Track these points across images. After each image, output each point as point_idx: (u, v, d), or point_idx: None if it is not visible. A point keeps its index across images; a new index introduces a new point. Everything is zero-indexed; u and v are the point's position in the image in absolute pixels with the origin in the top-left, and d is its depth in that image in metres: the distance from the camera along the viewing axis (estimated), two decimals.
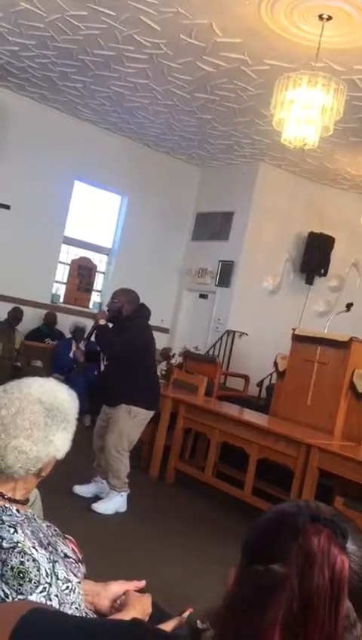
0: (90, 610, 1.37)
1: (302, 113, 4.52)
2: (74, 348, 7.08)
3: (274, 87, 4.56)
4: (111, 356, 4.32)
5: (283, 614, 0.64)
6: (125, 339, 4.18)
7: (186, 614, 1.31)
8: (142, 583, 1.47)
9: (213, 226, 8.86)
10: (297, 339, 5.53)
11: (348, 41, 4.83)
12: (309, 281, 8.69)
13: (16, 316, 7.18)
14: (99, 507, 4.13)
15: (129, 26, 5.28)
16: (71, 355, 7.32)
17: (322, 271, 8.59)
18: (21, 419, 1.27)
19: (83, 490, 4.37)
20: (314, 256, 8.49)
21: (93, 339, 4.42)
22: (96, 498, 4.31)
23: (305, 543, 0.67)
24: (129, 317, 4.26)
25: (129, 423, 4.22)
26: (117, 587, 1.43)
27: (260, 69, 5.57)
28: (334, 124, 4.62)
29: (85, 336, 4.58)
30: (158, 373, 6.95)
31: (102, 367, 4.46)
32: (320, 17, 4.56)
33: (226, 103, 6.57)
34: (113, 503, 4.17)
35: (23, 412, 1.28)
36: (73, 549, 1.37)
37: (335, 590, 0.65)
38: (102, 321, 4.22)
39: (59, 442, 1.31)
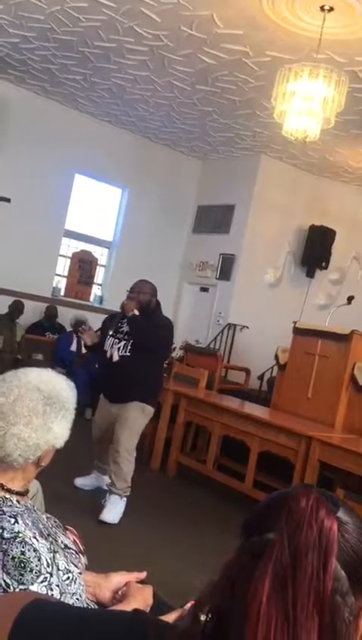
0: (92, 601, 1.38)
1: (304, 105, 4.51)
2: (85, 336, 7.05)
3: (276, 79, 4.54)
4: (146, 348, 4.03)
5: (273, 566, 0.66)
6: (164, 332, 4.10)
7: (188, 606, 1.31)
8: (143, 575, 1.47)
9: (214, 219, 8.85)
10: (298, 332, 5.53)
11: (350, 33, 4.80)
12: (310, 275, 8.68)
13: (17, 308, 7.19)
14: (109, 517, 3.92)
15: (129, 17, 5.25)
16: (73, 348, 7.33)
17: (323, 264, 8.57)
18: (20, 406, 1.27)
19: (84, 481, 4.33)
20: (315, 249, 8.48)
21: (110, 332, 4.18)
22: (98, 489, 4.29)
23: (294, 503, 0.70)
24: (155, 310, 4.16)
25: (141, 421, 4.08)
26: (118, 578, 1.43)
27: (261, 60, 5.54)
28: (335, 116, 4.60)
29: (101, 330, 4.34)
30: None
31: (116, 358, 4.07)
32: (322, 9, 4.53)
33: (227, 95, 6.54)
34: (120, 509, 4.00)
35: (21, 400, 1.28)
36: (74, 541, 1.37)
37: (323, 545, 0.66)
38: (136, 312, 4.04)
39: (58, 430, 1.32)
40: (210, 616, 0.71)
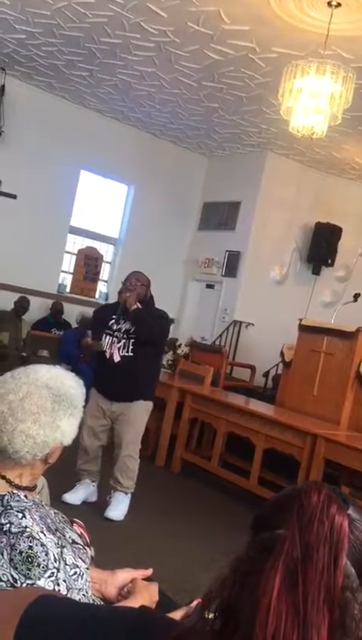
0: (97, 597, 1.38)
1: (310, 102, 4.49)
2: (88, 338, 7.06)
3: (282, 76, 4.52)
4: (152, 342, 3.91)
5: (284, 561, 0.66)
6: (163, 324, 3.98)
7: (194, 604, 1.31)
8: (149, 572, 1.47)
9: (220, 215, 8.83)
10: (304, 329, 5.52)
11: (358, 29, 4.77)
12: (316, 272, 8.66)
13: (22, 305, 7.20)
14: (114, 514, 3.89)
15: (136, 13, 5.24)
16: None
17: (329, 261, 8.55)
18: (29, 403, 1.28)
19: (73, 497, 3.98)
20: (321, 246, 8.45)
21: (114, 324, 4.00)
22: (99, 487, 4.18)
23: (306, 499, 0.70)
24: (150, 302, 4.01)
25: (145, 419, 4.02)
26: (124, 575, 1.44)
27: (268, 56, 5.52)
28: (342, 112, 4.58)
29: (95, 332, 4.14)
30: (165, 363, 6.98)
31: (117, 358, 3.90)
32: (329, 4, 4.50)
33: (233, 92, 6.52)
34: (125, 506, 3.97)
35: (30, 397, 1.28)
36: (81, 534, 1.38)
37: (334, 541, 0.67)
38: (138, 305, 3.86)
39: (66, 428, 1.32)
40: (218, 612, 0.71)
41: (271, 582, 0.65)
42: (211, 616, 1.19)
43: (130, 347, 3.90)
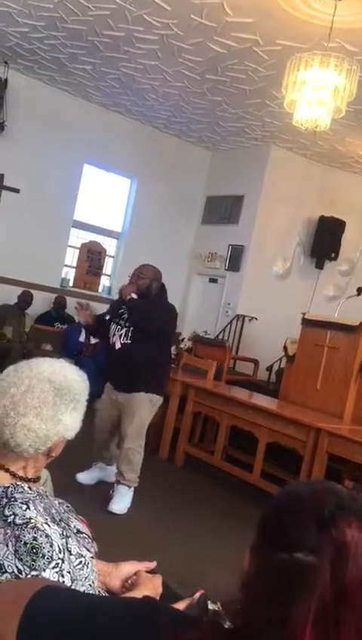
0: (102, 589, 1.38)
1: (314, 94, 4.47)
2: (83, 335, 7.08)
3: (286, 68, 4.49)
4: (147, 333, 3.91)
5: (315, 606, 0.63)
6: (162, 316, 3.94)
7: (197, 596, 1.32)
8: (153, 564, 1.48)
9: (223, 209, 8.81)
10: (307, 323, 5.51)
11: (361, 21, 4.75)
12: (319, 266, 8.64)
13: (25, 299, 7.20)
14: (117, 508, 3.90)
15: (139, 6, 5.21)
16: (82, 339, 7.35)
17: (332, 255, 8.53)
18: (30, 397, 1.27)
19: (86, 476, 4.20)
20: (325, 240, 8.43)
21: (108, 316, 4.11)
22: (101, 483, 4.25)
23: (338, 534, 0.67)
24: (157, 295, 4.01)
25: (148, 413, 4.01)
26: (128, 567, 1.44)
27: (272, 49, 5.49)
28: (346, 105, 4.56)
29: (104, 313, 4.19)
30: None
31: (118, 345, 3.96)
32: None
33: (237, 85, 6.49)
34: (128, 499, 3.98)
35: (32, 390, 1.28)
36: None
37: None
38: (134, 295, 3.92)
39: (69, 422, 1.31)
40: (236, 626, 0.68)
41: (302, 618, 0.63)
42: (212, 607, 1.19)
43: (130, 335, 3.95)
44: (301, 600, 0.64)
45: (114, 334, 4.00)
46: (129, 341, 3.95)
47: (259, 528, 0.75)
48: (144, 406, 3.96)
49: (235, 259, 8.51)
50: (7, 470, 1.27)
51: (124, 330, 3.97)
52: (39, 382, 1.30)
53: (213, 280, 9.09)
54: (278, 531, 0.72)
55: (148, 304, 3.92)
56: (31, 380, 1.29)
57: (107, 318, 4.09)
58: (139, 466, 4.01)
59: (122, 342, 3.96)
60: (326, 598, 0.64)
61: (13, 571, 1.11)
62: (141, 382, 3.93)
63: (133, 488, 4.02)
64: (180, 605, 1.29)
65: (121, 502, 3.94)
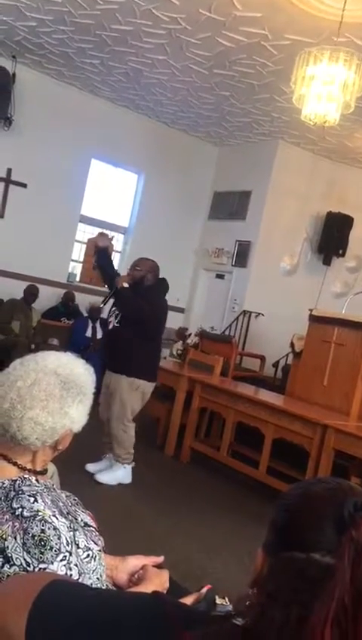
0: (109, 583, 1.38)
1: (323, 89, 4.44)
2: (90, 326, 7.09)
3: (295, 63, 4.47)
4: (132, 318, 4.17)
5: (335, 606, 0.63)
6: (149, 306, 4.15)
7: (204, 590, 1.32)
8: (160, 559, 1.48)
9: (230, 205, 8.79)
10: (314, 319, 5.50)
11: None
12: (327, 262, 8.61)
13: (31, 293, 7.18)
14: (103, 477, 4.22)
15: (147, 0, 5.19)
16: (88, 334, 7.36)
17: (340, 251, 8.50)
18: (37, 390, 1.28)
19: (95, 467, 4.38)
20: (333, 236, 8.40)
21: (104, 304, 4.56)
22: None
23: (358, 535, 0.66)
24: (150, 288, 4.24)
25: (129, 395, 4.24)
26: (135, 561, 1.44)
27: (280, 44, 5.46)
28: (355, 100, 4.53)
29: (103, 300, 4.56)
30: (174, 353, 6.98)
31: (111, 326, 4.34)
32: None
33: (245, 80, 6.46)
34: (117, 475, 4.26)
35: (39, 383, 1.28)
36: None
37: None
38: (125, 284, 4.19)
39: (75, 414, 1.32)
40: (250, 624, 0.68)
41: (321, 618, 0.63)
42: (220, 601, 1.19)
43: (119, 319, 4.28)
44: (320, 601, 0.64)
45: (110, 314, 4.37)
46: (117, 325, 4.28)
47: (273, 527, 0.74)
48: (124, 388, 4.19)
49: (242, 254, 8.49)
50: (14, 463, 1.28)
51: (116, 313, 4.31)
52: (45, 375, 1.30)
53: (219, 276, 9.07)
54: (294, 531, 0.71)
55: (134, 294, 4.18)
56: (37, 374, 1.29)
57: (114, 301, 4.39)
58: (127, 443, 4.25)
59: (114, 324, 4.30)
60: (346, 599, 0.63)
61: (21, 564, 1.11)
62: (124, 364, 4.18)
63: (128, 468, 4.26)
64: (188, 600, 1.29)
65: (108, 474, 4.22)
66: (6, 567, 1.11)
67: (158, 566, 1.46)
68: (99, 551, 1.27)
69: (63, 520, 1.18)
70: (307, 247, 8.64)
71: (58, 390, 1.29)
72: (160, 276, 4.36)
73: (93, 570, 1.22)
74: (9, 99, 7.11)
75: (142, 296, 4.15)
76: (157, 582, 1.35)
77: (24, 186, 7.61)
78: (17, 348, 6.38)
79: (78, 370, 1.36)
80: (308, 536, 0.69)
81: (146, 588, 1.30)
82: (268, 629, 0.66)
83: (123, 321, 4.23)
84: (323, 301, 7.85)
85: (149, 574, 1.38)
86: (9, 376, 1.31)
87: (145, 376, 4.26)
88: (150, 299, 4.18)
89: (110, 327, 4.34)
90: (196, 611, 0.83)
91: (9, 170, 7.54)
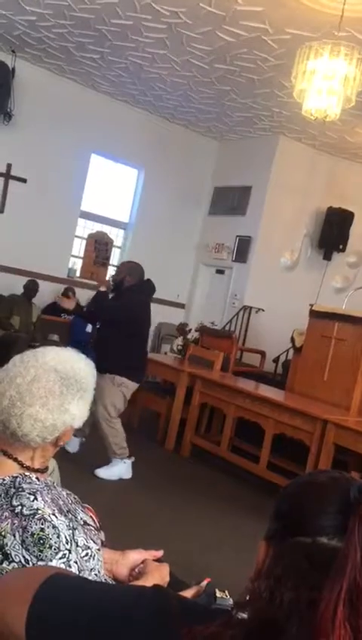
0: (109, 577, 1.39)
1: (324, 84, 4.42)
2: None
3: (296, 57, 4.46)
4: (101, 319, 4.63)
5: (347, 587, 0.64)
6: (114, 305, 4.41)
7: (204, 583, 1.32)
8: (159, 553, 1.48)
9: (231, 200, 8.77)
10: (314, 315, 5.50)
11: None
12: (327, 257, 8.60)
13: (32, 288, 7.17)
14: (102, 472, 4.28)
15: None
16: (88, 329, 7.35)
17: (340, 247, 8.48)
18: (36, 387, 1.27)
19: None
20: (333, 231, 8.38)
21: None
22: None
23: None
24: (129, 288, 4.40)
25: (113, 391, 4.31)
26: (135, 556, 1.44)
27: (281, 38, 5.44)
28: (356, 95, 4.52)
29: (87, 304, 4.86)
30: (174, 349, 6.98)
31: (98, 325, 4.71)
32: None
33: (246, 74, 6.44)
34: (116, 470, 4.32)
35: (38, 380, 1.28)
36: (92, 517, 1.38)
37: None
38: (102, 288, 4.48)
39: (76, 411, 1.31)
40: (255, 616, 0.68)
41: (333, 599, 0.63)
42: (220, 595, 1.19)
43: (100, 320, 4.70)
44: (331, 581, 0.64)
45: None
46: (98, 325, 4.63)
47: (277, 515, 0.74)
48: (107, 385, 4.29)
49: (242, 250, 8.48)
50: (14, 459, 1.27)
51: None
52: (45, 372, 1.29)
53: (220, 271, 9.06)
54: (299, 517, 0.72)
55: (107, 296, 4.46)
56: (37, 370, 1.29)
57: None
58: (116, 438, 4.33)
59: (98, 325, 4.66)
60: (358, 578, 0.64)
61: (20, 561, 1.11)
62: (104, 364, 4.22)
63: (127, 462, 4.33)
64: (188, 593, 1.29)
65: (109, 470, 4.32)
66: (5, 564, 1.11)
67: (158, 560, 1.46)
68: (98, 550, 1.26)
69: (63, 518, 1.18)
70: (307, 243, 8.63)
71: (58, 387, 1.29)
72: (144, 277, 4.48)
73: (91, 569, 1.22)
74: (8, 93, 7.09)
75: (121, 297, 4.41)
76: (158, 576, 1.35)
77: (24, 181, 7.59)
78: (18, 343, 6.37)
79: (78, 365, 1.35)
80: (313, 521, 0.69)
81: (147, 582, 1.30)
82: (278, 612, 0.66)
83: (101, 322, 4.61)
84: (324, 296, 7.85)
85: (150, 568, 1.38)
86: (8, 372, 1.30)
87: (125, 373, 4.34)
88: (126, 299, 4.38)
89: (97, 325, 4.69)
90: (198, 605, 0.83)
91: (9, 166, 7.52)
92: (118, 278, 4.48)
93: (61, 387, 1.29)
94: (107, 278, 4.63)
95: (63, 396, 1.29)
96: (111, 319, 4.41)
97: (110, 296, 4.50)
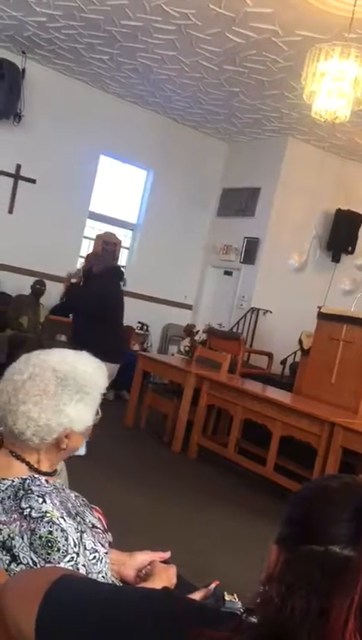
0: (116, 579, 1.38)
1: (334, 86, 4.41)
2: None
3: (306, 59, 4.44)
4: (73, 309, 4.85)
5: (359, 597, 0.63)
6: (83, 293, 4.57)
7: (213, 586, 1.32)
8: (167, 554, 1.48)
9: (239, 202, 8.76)
10: (323, 317, 5.48)
11: None
12: (336, 259, 8.57)
13: (38, 287, 7.18)
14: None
15: None
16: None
17: (349, 249, 8.46)
18: (31, 385, 1.27)
19: None
20: (342, 233, 8.36)
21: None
22: None
23: None
24: (95, 275, 4.59)
25: None
26: (142, 557, 1.44)
27: (291, 40, 5.43)
28: None
29: (61, 296, 5.04)
30: (182, 350, 6.99)
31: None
32: None
33: (255, 76, 6.44)
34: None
35: (34, 379, 1.28)
36: (99, 519, 1.38)
37: None
38: (73, 280, 4.68)
39: (73, 413, 1.28)
40: (264, 623, 0.67)
41: (345, 609, 0.63)
42: (228, 598, 1.19)
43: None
44: (343, 591, 0.64)
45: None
46: (72, 317, 4.89)
47: (289, 521, 0.74)
48: None
49: (250, 251, 8.47)
50: (23, 461, 1.27)
51: None
52: (42, 370, 1.29)
53: (227, 272, 9.05)
54: (311, 525, 0.71)
55: (77, 287, 4.66)
56: (34, 368, 1.29)
57: None
58: None
59: (72, 315, 4.91)
60: None
61: (28, 563, 1.11)
62: (80, 347, 4.26)
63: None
64: (196, 596, 1.29)
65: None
66: (13, 565, 1.11)
67: (165, 561, 1.46)
68: (105, 553, 1.26)
69: (71, 522, 1.18)
70: (316, 245, 8.61)
71: (53, 386, 1.28)
72: (113, 264, 4.78)
73: (99, 572, 1.22)
74: (18, 95, 7.12)
75: (90, 285, 4.59)
76: (165, 577, 1.35)
77: (33, 181, 7.62)
78: (27, 343, 6.39)
79: (83, 368, 1.33)
80: (326, 530, 0.69)
81: (154, 584, 1.30)
82: (289, 620, 0.65)
83: (73, 311, 4.90)
84: (332, 298, 7.83)
85: (157, 570, 1.38)
86: (11, 369, 1.32)
87: (103, 356, 4.32)
88: (95, 287, 4.56)
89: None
90: (207, 608, 0.83)
91: (18, 166, 7.55)
92: (85, 267, 4.69)
93: (57, 387, 1.28)
94: (77, 269, 4.89)
95: (58, 396, 1.27)
96: (82, 308, 4.58)
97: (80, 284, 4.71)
